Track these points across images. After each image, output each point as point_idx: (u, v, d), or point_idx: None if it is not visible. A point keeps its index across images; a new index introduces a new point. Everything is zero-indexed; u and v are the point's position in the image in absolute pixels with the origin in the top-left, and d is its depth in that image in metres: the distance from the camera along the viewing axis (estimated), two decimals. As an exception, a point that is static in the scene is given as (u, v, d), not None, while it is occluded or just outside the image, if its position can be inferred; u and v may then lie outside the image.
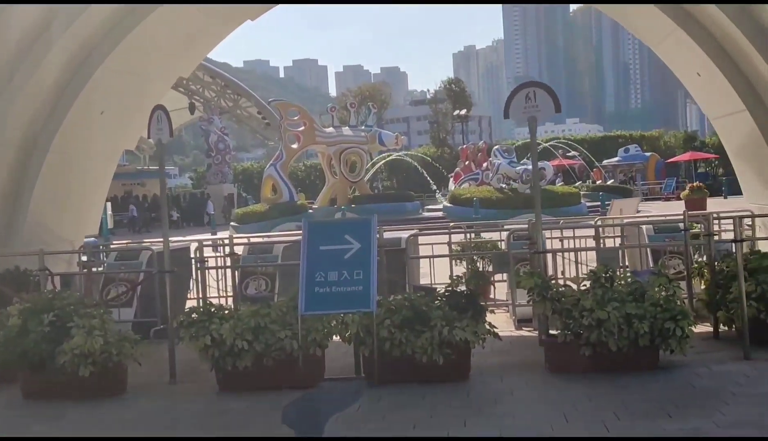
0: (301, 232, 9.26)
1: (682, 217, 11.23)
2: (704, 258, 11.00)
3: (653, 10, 11.68)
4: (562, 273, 12.14)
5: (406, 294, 9.09)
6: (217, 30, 13.84)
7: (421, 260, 12.63)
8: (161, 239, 9.92)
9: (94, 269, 12.55)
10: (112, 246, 15.16)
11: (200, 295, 11.86)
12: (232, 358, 8.31)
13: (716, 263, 9.70)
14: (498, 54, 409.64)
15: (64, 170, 12.37)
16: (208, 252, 13.36)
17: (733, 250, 10.25)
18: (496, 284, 12.89)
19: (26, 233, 11.90)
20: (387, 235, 11.26)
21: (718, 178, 57.04)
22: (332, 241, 8.80)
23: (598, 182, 52.49)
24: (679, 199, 43.63)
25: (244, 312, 8.58)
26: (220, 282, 13.47)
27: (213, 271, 13.28)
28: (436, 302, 8.64)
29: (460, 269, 12.83)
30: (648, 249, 11.46)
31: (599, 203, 37.88)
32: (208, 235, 30.77)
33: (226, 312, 8.80)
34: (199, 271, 12.15)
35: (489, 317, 8.82)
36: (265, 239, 15.07)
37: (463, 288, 9.03)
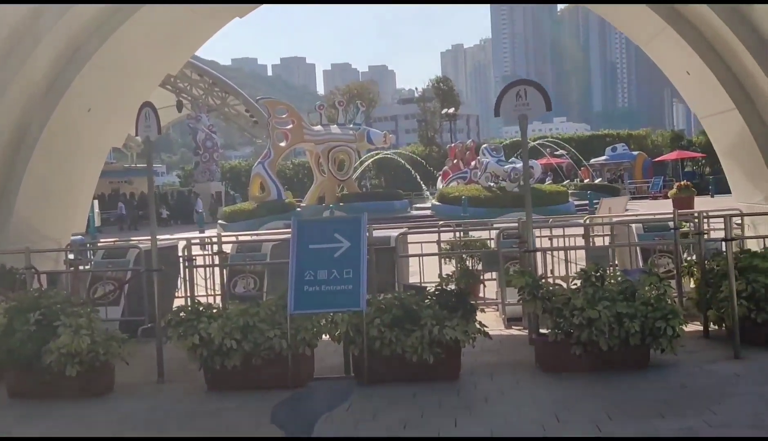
0: (289, 230, 9.20)
1: (671, 215, 11.23)
2: (693, 257, 11.00)
3: (643, 8, 11.68)
4: (551, 272, 12.13)
5: (396, 293, 9.05)
6: (205, 27, 13.76)
7: (410, 259, 12.59)
8: (149, 237, 9.84)
9: (81, 267, 12.45)
10: (99, 244, 15.06)
11: (188, 294, 11.78)
12: (221, 357, 8.25)
13: (706, 262, 9.68)
14: (486, 53, 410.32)
15: (51, 168, 12.26)
16: (196, 250, 13.27)
17: (723, 249, 10.29)
18: (486, 283, 12.84)
19: (12, 231, 11.78)
20: (376, 233, 11.20)
21: (704, 177, 57.32)
22: (322, 239, 8.74)
23: (585, 181, 52.60)
24: (666, 198, 43.81)
25: (232, 311, 8.51)
26: (208, 280, 13.38)
27: (201, 270, 13.19)
28: (426, 301, 8.60)
29: (449, 268, 12.79)
30: (637, 248, 11.45)
31: (587, 202, 37.93)
32: (196, 234, 30.63)
33: (215, 311, 8.73)
34: (187, 270, 12.06)
35: (479, 316, 8.77)
36: (254, 237, 14.99)
37: (453, 287, 8.99)
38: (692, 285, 10.37)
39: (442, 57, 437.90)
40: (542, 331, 8.71)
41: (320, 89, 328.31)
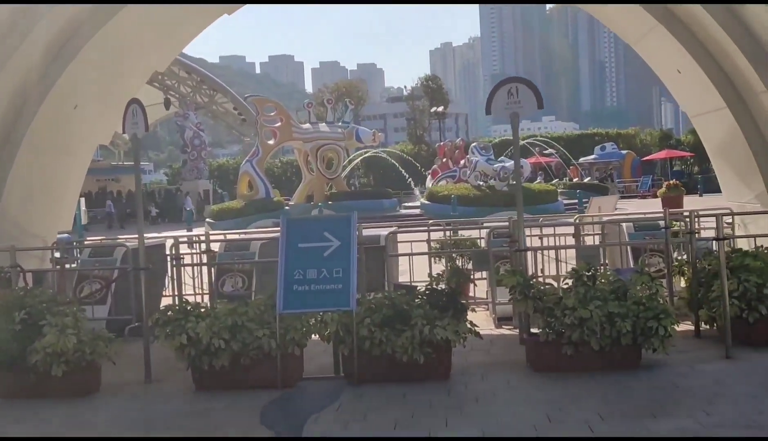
0: (278, 228, 9.12)
1: (662, 215, 11.19)
2: (684, 256, 10.98)
3: (634, 6, 11.63)
4: (542, 271, 12.09)
5: (386, 292, 8.98)
6: (193, 24, 13.64)
7: (399, 258, 12.52)
8: (136, 236, 9.74)
9: (67, 266, 12.33)
10: (86, 242, 14.94)
11: (176, 293, 11.68)
12: (209, 357, 8.17)
13: (697, 261, 9.65)
14: (475, 51, 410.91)
15: (37, 165, 12.13)
16: (183, 249, 13.17)
17: (714, 248, 10.26)
18: (476, 282, 12.78)
19: (-2, 229, 11.65)
20: (365, 232, 11.13)
21: (693, 176, 57.51)
22: (311, 238, 8.66)
23: (575, 180, 52.68)
24: (655, 196, 43.92)
25: (220, 310, 8.43)
26: (196, 279, 13.28)
27: (189, 269, 13.10)
28: (417, 300, 8.53)
29: (439, 267, 12.72)
30: (628, 247, 11.42)
31: (576, 201, 37.97)
32: (184, 232, 30.49)
33: (203, 310, 8.65)
34: (174, 268, 11.97)
35: (469, 316, 8.71)
36: (242, 236, 14.90)
37: (444, 286, 8.93)
38: (683, 284, 10.34)
39: (431, 55, 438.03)
40: (533, 330, 8.66)
41: (309, 87, 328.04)
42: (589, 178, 55.77)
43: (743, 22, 10.60)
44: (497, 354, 9.34)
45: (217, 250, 12.33)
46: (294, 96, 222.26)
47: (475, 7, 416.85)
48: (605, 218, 14.20)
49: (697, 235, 10.32)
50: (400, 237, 13.25)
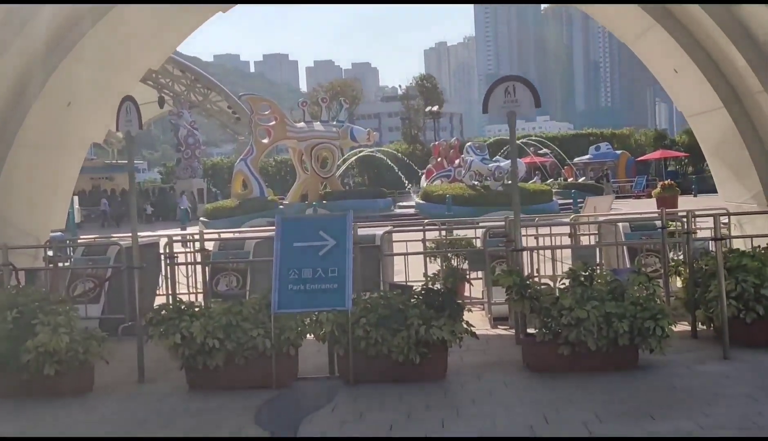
0: (273, 227, 9.05)
1: (658, 214, 11.16)
2: (680, 256, 10.94)
3: (631, 6, 11.59)
4: (537, 271, 12.04)
5: (381, 292, 8.92)
6: (187, 21, 13.55)
7: (394, 257, 12.46)
8: (129, 234, 9.67)
9: (60, 264, 12.25)
10: (79, 241, 14.85)
11: (170, 292, 11.61)
12: (203, 356, 8.11)
13: (694, 262, 9.60)
14: (469, 51, 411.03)
15: (30, 163, 12.04)
16: (177, 248, 13.10)
17: (710, 248, 10.23)
18: (472, 282, 12.72)
19: (-11, 227, 11.57)
20: (360, 231, 11.07)
21: (687, 177, 57.54)
22: (306, 237, 8.59)
23: (569, 180, 52.67)
24: (649, 197, 43.90)
25: (215, 309, 8.37)
26: (190, 278, 13.22)
27: (183, 267, 13.03)
28: (413, 300, 8.47)
29: (434, 267, 12.68)
30: (624, 247, 11.37)
31: (571, 201, 37.96)
32: (178, 231, 30.40)
33: (197, 309, 8.58)
34: (168, 267, 11.89)
35: (465, 316, 8.65)
36: (237, 235, 14.83)
37: (439, 286, 8.86)
38: (679, 285, 10.29)
39: (426, 55, 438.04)
40: (530, 331, 8.61)
41: (303, 86, 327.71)
42: (583, 178, 55.77)
43: (741, 22, 10.56)
44: (493, 354, 9.29)
45: (211, 248, 12.26)
46: (288, 95, 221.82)
47: (470, 6, 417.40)
48: (601, 218, 14.16)
49: (693, 235, 10.28)
50: (396, 236, 13.20)
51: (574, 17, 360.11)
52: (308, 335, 8.47)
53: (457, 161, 44.07)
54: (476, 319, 10.26)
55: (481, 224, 14.10)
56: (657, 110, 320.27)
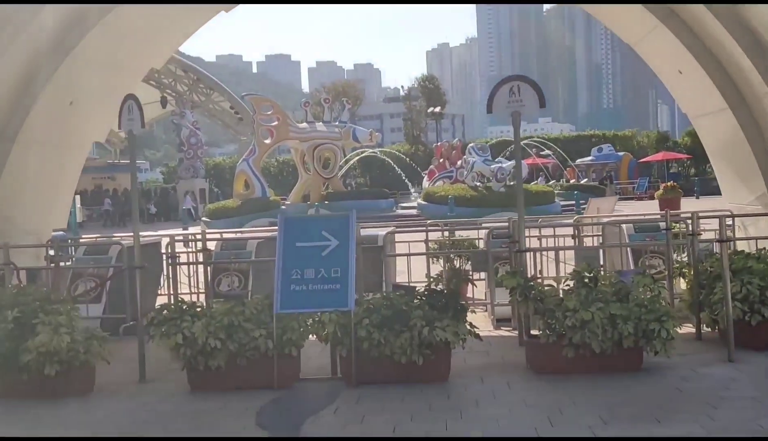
0: (275, 227, 9.00)
1: (662, 216, 11.10)
2: (684, 257, 10.88)
3: (635, 6, 11.52)
4: (540, 272, 11.98)
5: (384, 293, 8.87)
6: (189, 21, 13.50)
7: (397, 258, 12.41)
8: (131, 234, 9.62)
9: (61, 264, 12.21)
10: (81, 240, 14.82)
11: (171, 292, 11.56)
12: (205, 357, 8.06)
13: (699, 263, 9.54)
14: (471, 52, 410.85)
15: (31, 162, 11.99)
16: (179, 247, 13.05)
17: (714, 250, 10.17)
18: (475, 283, 12.67)
19: (-9, 226, 11.53)
20: (362, 232, 11.03)
21: (690, 179, 57.45)
22: (309, 237, 8.55)
23: (572, 181, 52.60)
24: (651, 198, 43.85)
25: (217, 310, 8.32)
26: (192, 278, 13.17)
27: (185, 267, 12.98)
28: (416, 301, 8.41)
29: (437, 267, 12.63)
30: (628, 249, 11.31)
31: (573, 202, 37.89)
32: (180, 231, 30.38)
33: (199, 309, 8.53)
34: (170, 267, 11.85)
35: (467, 317, 8.59)
36: (239, 235, 14.78)
37: (442, 287, 8.82)
38: (684, 286, 10.23)
39: (428, 56, 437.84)
40: (533, 332, 8.55)
41: (305, 87, 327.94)
42: (586, 179, 55.70)
43: (747, 23, 10.50)
44: (496, 356, 9.24)
45: (213, 248, 12.22)
46: (290, 96, 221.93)
47: (472, 7, 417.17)
48: (605, 219, 14.09)
49: (698, 237, 10.21)
50: (398, 237, 13.15)
51: (576, 19, 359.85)
52: (310, 336, 8.42)
53: (459, 162, 44.02)
54: (479, 321, 10.17)
55: (483, 225, 14.03)
56: (659, 112, 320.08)
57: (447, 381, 8.12)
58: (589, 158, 61.08)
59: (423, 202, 40.46)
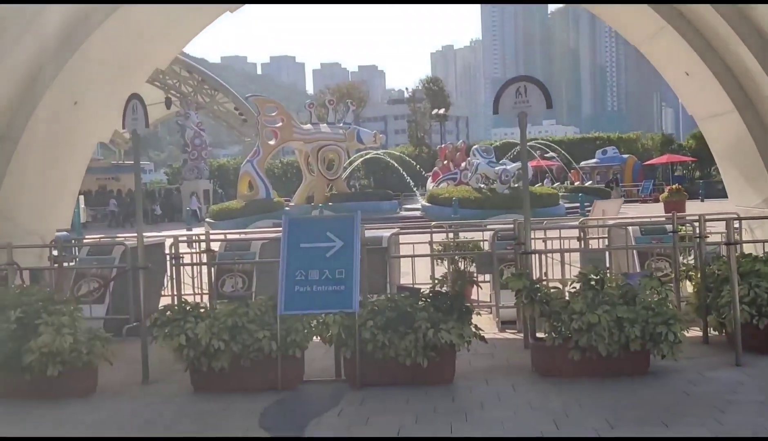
0: (279, 228, 8.96)
1: (669, 218, 11.03)
2: (690, 260, 10.81)
3: (643, 8, 11.47)
4: (545, 274, 11.93)
5: (389, 294, 8.81)
6: (194, 21, 13.46)
7: (401, 259, 12.36)
8: (135, 234, 9.58)
9: (65, 264, 12.18)
10: (84, 240, 14.79)
11: (175, 293, 11.52)
12: (208, 358, 8.01)
13: (706, 266, 9.46)
14: (476, 54, 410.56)
15: (35, 162, 11.97)
16: (183, 248, 13.01)
17: (721, 253, 10.10)
18: (481, 285, 12.60)
19: (-6, 226, 11.50)
20: (367, 233, 10.97)
21: (694, 181, 57.33)
22: (313, 238, 8.50)
23: (576, 183, 52.52)
24: (656, 201, 43.75)
25: (220, 311, 8.27)
26: (195, 279, 13.13)
27: (188, 268, 12.94)
28: (421, 303, 8.35)
29: (441, 269, 12.57)
30: (634, 251, 11.23)
31: (578, 204, 37.82)
32: (183, 231, 30.36)
33: (202, 310, 8.49)
34: (174, 268, 11.81)
35: (473, 319, 8.53)
36: (243, 236, 14.74)
37: (446, 288, 8.76)
38: (690, 289, 10.16)
39: (432, 58, 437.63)
40: (539, 335, 8.49)
41: (310, 89, 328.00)
42: (590, 182, 55.60)
43: (754, 24, 10.44)
44: (501, 358, 9.17)
45: (217, 249, 12.17)
46: (295, 97, 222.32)
47: (477, 9, 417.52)
48: (611, 222, 14.02)
49: (705, 239, 10.14)
50: (402, 238, 13.10)
51: (581, 21, 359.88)
52: (314, 337, 8.36)
53: (463, 164, 43.97)
54: (484, 323, 10.10)
55: (488, 227, 13.97)
56: (663, 115, 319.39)
57: (452, 383, 8.06)
58: (594, 161, 60.99)
59: (427, 204, 40.43)
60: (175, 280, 11.68)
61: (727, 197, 13.71)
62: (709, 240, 10.66)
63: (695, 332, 9.54)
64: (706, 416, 6.63)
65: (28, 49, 11.15)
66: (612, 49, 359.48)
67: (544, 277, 11.47)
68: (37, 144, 11.78)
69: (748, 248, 10.90)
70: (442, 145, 52.81)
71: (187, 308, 8.46)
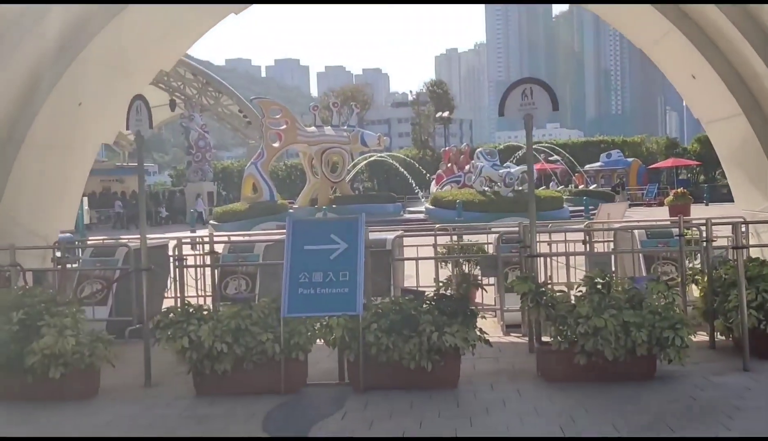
0: (283, 230, 8.90)
1: (676, 222, 10.95)
2: (696, 264, 10.73)
3: (649, 10, 11.41)
4: (550, 278, 11.84)
5: (392, 297, 8.75)
6: (199, 23, 13.44)
7: (405, 262, 12.30)
8: (138, 236, 9.53)
9: (68, 266, 12.13)
10: (88, 242, 14.75)
11: (178, 295, 11.47)
12: (211, 361, 7.96)
13: (713, 270, 9.39)
14: (480, 57, 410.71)
15: (39, 163, 11.94)
16: (187, 250, 12.96)
17: (728, 257, 10.03)
18: (485, 289, 12.53)
19: (-2, 227, 11.46)
20: (371, 235, 10.91)
21: (699, 185, 57.22)
22: (317, 240, 8.45)
23: (580, 187, 52.45)
24: (661, 205, 43.64)
25: (224, 313, 8.22)
26: (199, 281, 13.08)
27: (192, 270, 12.89)
28: (425, 306, 8.28)
29: (445, 272, 12.50)
30: (640, 255, 11.16)
31: (582, 208, 37.74)
32: (187, 233, 30.32)
33: (205, 313, 8.43)
34: (177, 270, 11.76)
35: (477, 322, 8.46)
36: (246, 238, 14.69)
37: (450, 291, 8.69)
38: (697, 294, 10.08)
39: (437, 61, 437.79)
40: (544, 339, 8.42)
41: (314, 91, 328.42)
42: (594, 185, 55.54)
43: (761, 25, 10.37)
44: (506, 362, 9.10)
45: (220, 251, 12.12)
46: (299, 100, 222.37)
47: (481, 13, 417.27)
48: (616, 225, 13.95)
49: (712, 243, 10.07)
50: (406, 241, 13.05)
51: (585, 24, 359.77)
52: (318, 340, 8.30)
53: (467, 167, 43.90)
54: (488, 326, 10.07)
55: (492, 230, 13.91)
56: (668, 118, 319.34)
57: (456, 387, 8.00)
58: (598, 164, 60.94)
59: (430, 207, 40.38)
60: (178, 282, 11.63)
61: (731, 201, 13.64)
62: (715, 244, 10.61)
63: (702, 337, 9.45)
64: (714, 422, 6.56)
65: (32, 50, 11.12)
66: (616, 53, 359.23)
67: (549, 281, 11.39)
68: (41, 145, 11.75)
69: (754, 252, 10.83)
70: (446, 148, 52.74)
71: (190, 310, 8.41)
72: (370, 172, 66.90)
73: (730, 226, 10.32)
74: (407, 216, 42.40)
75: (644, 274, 10.70)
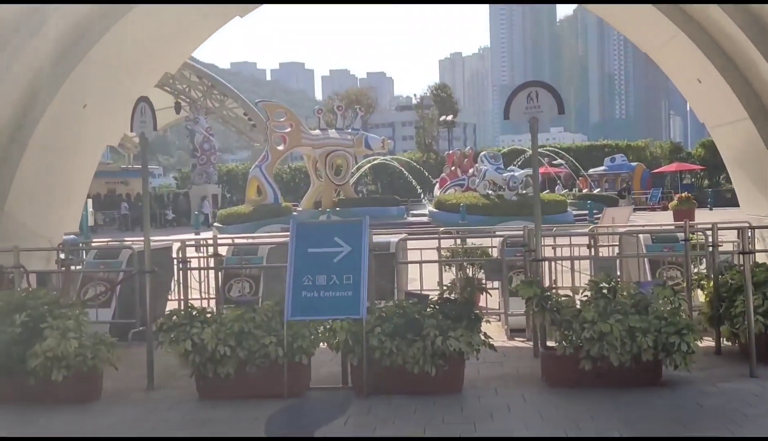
0: (287, 233, 8.87)
1: (681, 226, 10.90)
2: (702, 269, 10.67)
3: (654, 14, 11.36)
4: (555, 282, 11.80)
5: (396, 301, 8.71)
6: (204, 25, 13.43)
7: (408, 265, 12.25)
8: (142, 238, 9.51)
9: (72, 268, 12.11)
10: (92, 244, 14.74)
11: (182, 297, 11.43)
12: (214, 364, 7.92)
13: (720, 276, 9.32)
14: (484, 61, 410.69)
15: (44, 165, 11.93)
16: (191, 252, 12.93)
17: (734, 262, 9.96)
18: (490, 293, 12.48)
19: (2, 228, 11.44)
20: (374, 238, 10.87)
21: (703, 190, 57.11)
22: (321, 243, 8.41)
23: (584, 191, 52.36)
24: (665, 209, 43.54)
25: (227, 316, 8.19)
26: (202, 284, 13.05)
27: (195, 272, 12.85)
28: (429, 310, 8.24)
29: (449, 276, 12.45)
30: (646, 259, 11.10)
31: (586, 212, 37.65)
32: (191, 235, 30.31)
33: (209, 315, 8.40)
34: (181, 272, 11.72)
35: (481, 327, 8.41)
36: (250, 240, 14.66)
37: (454, 295, 8.64)
38: (702, 299, 10.02)
39: (441, 65, 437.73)
40: (549, 344, 8.37)
41: (318, 95, 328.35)
42: (598, 189, 55.44)
43: (765, 28, 10.32)
44: (511, 367, 9.05)
45: (224, 254, 12.09)
46: (304, 103, 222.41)
47: (486, 17, 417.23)
48: (621, 229, 13.89)
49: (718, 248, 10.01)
50: (410, 244, 12.99)
51: (589, 28, 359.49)
52: (321, 344, 8.26)
53: (471, 170, 43.87)
54: (492, 331, 9.99)
55: (497, 233, 13.86)
56: (672, 123, 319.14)
57: (460, 392, 7.94)
58: (602, 168, 60.89)
59: (434, 210, 40.34)
60: (181, 285, 11.60)
61: (735, 206, 13.58)
62: (721, 249, 10.54)
63: (708, 342, 9.39)
64: (721, 428, 6.51)
65: (37, 52, 11.10)
66: (620, 57, 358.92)
67: (554, 285, 11.34)
68: (46, 147, 11.74)
69: (761, 257, 10.77)
70: (450, 152, 52.75)
71: (194, 313, 8.38)
72: (373, 175, 66.89)
73: (736, 231, 10.25)
74: (411, 219, 42.36)
75: (650, 278, 10.64)
